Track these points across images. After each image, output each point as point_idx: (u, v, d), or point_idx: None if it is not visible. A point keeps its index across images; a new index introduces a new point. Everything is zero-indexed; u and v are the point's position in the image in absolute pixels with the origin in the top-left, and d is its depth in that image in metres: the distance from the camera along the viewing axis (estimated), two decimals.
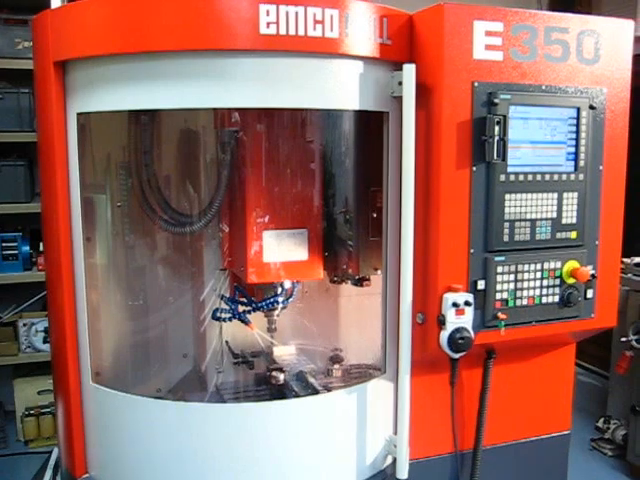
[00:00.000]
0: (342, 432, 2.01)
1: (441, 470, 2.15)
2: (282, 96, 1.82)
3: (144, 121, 2.10)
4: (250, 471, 1.94)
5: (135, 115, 2.11)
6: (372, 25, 1.83)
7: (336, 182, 2.26)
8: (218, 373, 2.46)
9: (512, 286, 1.98)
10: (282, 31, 1.72)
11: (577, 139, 2.01)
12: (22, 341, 3.92)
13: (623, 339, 3.44)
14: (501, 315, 1.96)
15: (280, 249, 2.16)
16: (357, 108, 1.89)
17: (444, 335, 1.90)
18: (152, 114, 2.11)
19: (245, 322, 2.32)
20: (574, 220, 2.04)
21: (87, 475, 2.07)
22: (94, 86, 1.88)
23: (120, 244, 2.26)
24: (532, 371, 2.26)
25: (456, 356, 1.94)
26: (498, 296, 1.97)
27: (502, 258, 1.96)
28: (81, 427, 2.05)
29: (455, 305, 1.88)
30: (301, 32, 1.74)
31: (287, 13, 1.72)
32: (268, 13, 1.71)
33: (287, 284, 2.29)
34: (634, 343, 3.40)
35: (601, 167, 2.06)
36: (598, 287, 2.10)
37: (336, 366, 2.37)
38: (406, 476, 2.00)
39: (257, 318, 2.33)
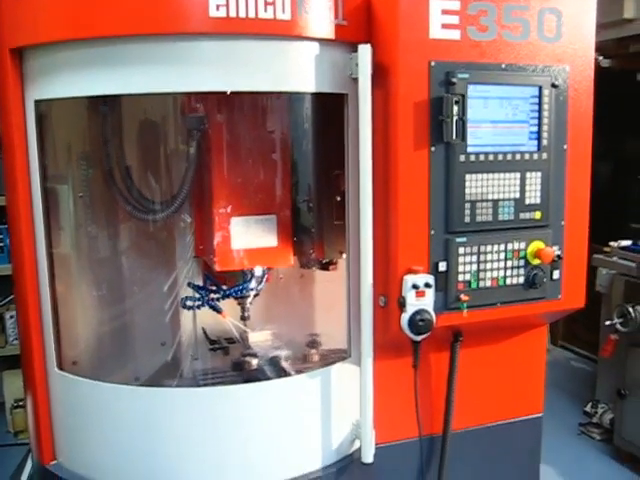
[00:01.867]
0: (306, 416, 2.01)
1: (409, 454, 2.15)
2: (236, 80, 1.82)
3: (108, 109, 2.09)
4: (216, 454, 1.94)
5: (99, 103, 2.10)
6: (326, 6, 1.82)
7: (301, 167, 2.25)
8: (194, 360, 2.47)
9: (475, 267, 1.97)
10: (232, 13, 1.71)
11: (540, 118, 1.99)
12: (9, 333, 3.94)
13: (607, 322, 3.41)
14: (463, 297, 1.95)
15: (248, 236, 2.15)
16: (314, 90, 1.88)
17: (405, 317, 1.89)
18: (116, 101, 2.11)
19: (217, 310, 2.31)
20: (538, 200, 2.02)
21: (55, 462, 2.08)
22: (51, 73, 1.88)
23: (88, 234, 2.26)
24: (503, 353, 2.25)
25: (418, 338, 1.93)
26: (460, 278, 1.96)
27: (463, 239, 1.94)
28: (47, 414, 2.06)
29: (415, 287, 1.87)
30: (252, 14, 1.73)
31: None
32: None
33: (257, 271, 2.28)
34: (619, 327, 3.38)
35: (565, 146, 2.03)
36: (565, 268, 2.08)
37: (313, 351, 2.37)
38: (371, 460, 2.00)
39: (232, 305, 2.33)
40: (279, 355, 2.27)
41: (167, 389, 1.97)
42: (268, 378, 2.18)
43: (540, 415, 2.36)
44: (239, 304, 2.33)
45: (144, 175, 2.28)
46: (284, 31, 1.77)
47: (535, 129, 1.99)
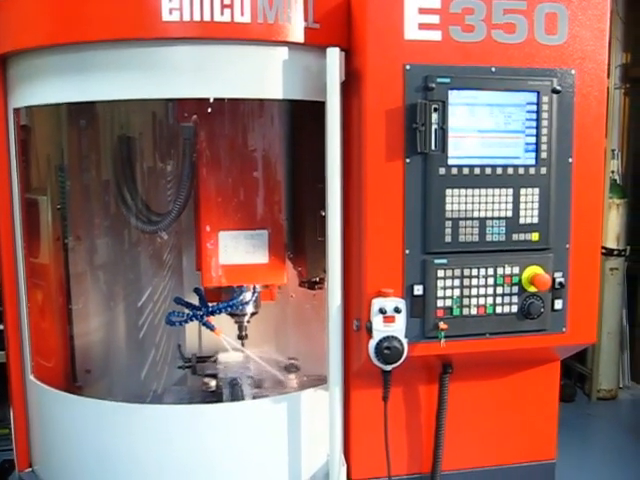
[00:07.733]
0: (270, 443, 1.88)
1: None
2: (201, 87, 1.75)
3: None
4: (176, 474, 1.86)
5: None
6: (293, 8, 1.71)
7: (292, 180, 2.14)
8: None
9: (457, 292, 1.77)
10: (186, 17, 1.64)
11: (538, 128, 1.77)
12: None
13: None
14: (442, 325, 1.75)
15: (237, 251, 2.07)
16: (281, 97, 1.77)
17: (371, 344, 1.72)
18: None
19: (209, 327, 2.22)
20: (535, 220, 1.79)
21: (29, 469, 2.08)
22: (30, 80, 1.89)
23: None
24: (506, 390, 2.01)
25: (387, 368, 1.75)
26: (440, 303, 1.77)
27: (444, 261, 1.76)
28: (23, 420, 2.06)
29: (382, 311, 1.71)
30: (207, 17, 1.65)
31: None
32: None
33: (248, 289, 2.18)
34: None
35: (571, 159, 1.80)
36: (570, 297, 1.84)
37: (291, 376, 2.23)
38: None
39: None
40: (239, 378, 2.15)
41: (119, 404, 1.90)
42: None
43: (552, 461, 2.09)
44: (236, 322, 2.24)
45: (147, 187, 2.27)
46: (243, 35, 1.68)
47: (532, 140, 1.77)
